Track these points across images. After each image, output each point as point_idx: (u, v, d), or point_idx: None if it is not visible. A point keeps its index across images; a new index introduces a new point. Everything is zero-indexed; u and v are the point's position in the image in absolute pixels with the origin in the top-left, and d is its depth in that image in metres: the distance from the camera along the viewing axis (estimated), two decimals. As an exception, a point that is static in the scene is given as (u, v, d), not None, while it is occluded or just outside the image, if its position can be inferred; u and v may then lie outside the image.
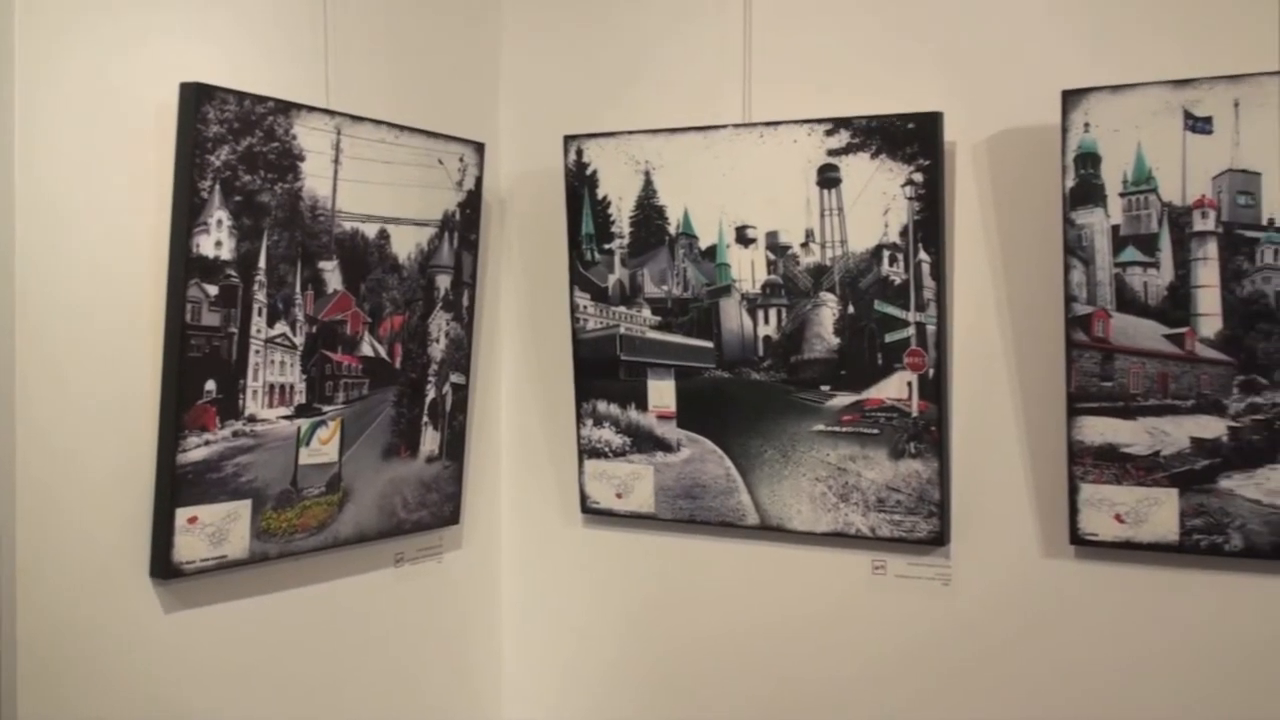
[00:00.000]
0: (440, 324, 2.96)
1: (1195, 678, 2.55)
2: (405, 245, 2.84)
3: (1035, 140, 2.61)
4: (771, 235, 2.83)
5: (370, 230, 2.75)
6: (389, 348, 2.83)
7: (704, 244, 2.91)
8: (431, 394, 2.95)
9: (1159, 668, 2.58)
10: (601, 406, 3.06)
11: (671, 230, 2.94)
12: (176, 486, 2.36)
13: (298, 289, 2.59)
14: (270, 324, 2.53)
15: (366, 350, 2.77)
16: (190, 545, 2.40)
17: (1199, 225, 2.42)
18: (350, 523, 2.76)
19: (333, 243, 2.66)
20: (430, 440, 2.96)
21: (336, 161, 2.65)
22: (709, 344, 2.92)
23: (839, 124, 2.73)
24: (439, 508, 3.01)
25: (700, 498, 2.96)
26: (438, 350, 2.96)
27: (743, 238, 2.86)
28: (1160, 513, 2.48)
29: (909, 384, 2.72)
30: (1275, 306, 2.36)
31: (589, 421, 3.08)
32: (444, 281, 2.95)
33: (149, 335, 2.36)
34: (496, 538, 3.29)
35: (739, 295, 2.88)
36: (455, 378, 3.02)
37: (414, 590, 3.03)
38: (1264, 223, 2.36)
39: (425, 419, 2.94)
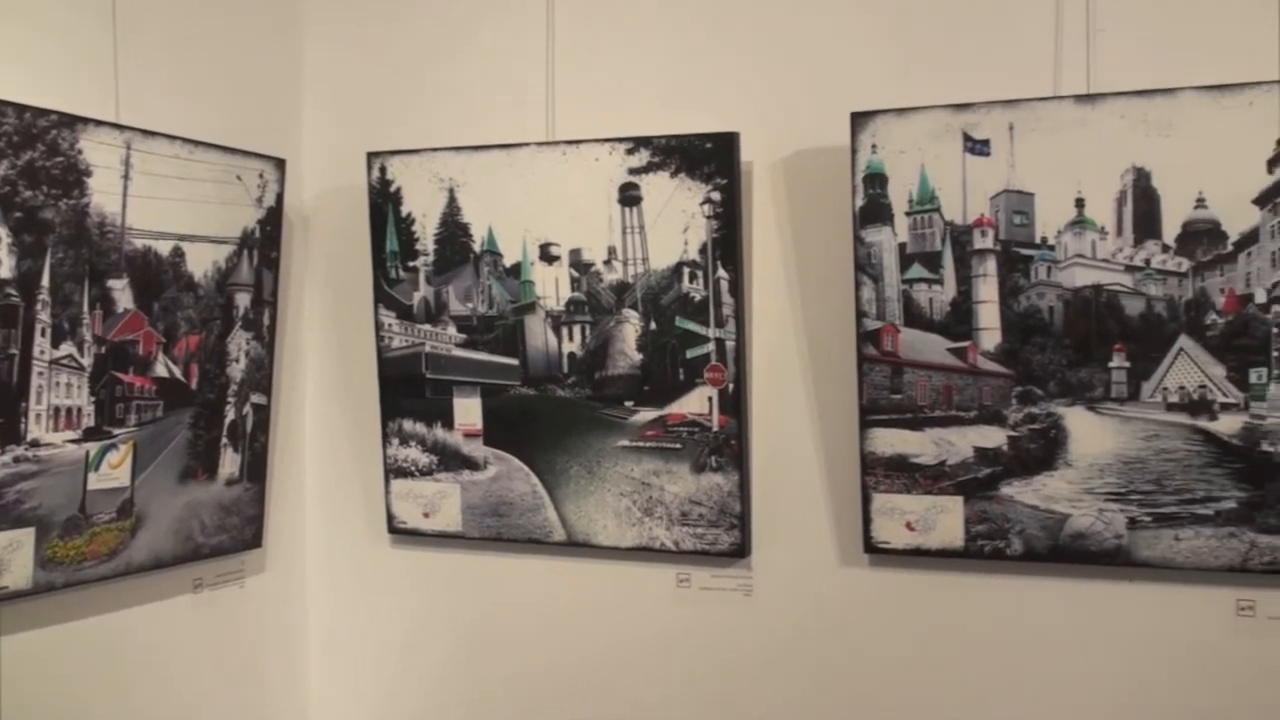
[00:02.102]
0: (240, 343, 2.90)
1: (981, 676, 2.65)
2: (202, 263, 2.77)
3: (827, 161, 2.69)
4: (575, 253, 2.86)
5: (164, 248, 2.68)
6: (185, 368, 2.75)
7: (508, 261, 2.92)
8: (231, 415, 2.88)
9: (948, 669, 2.68)
10: (408, 425, 3.04)
11: (476, 248, 2.94)
12: (-49, 515, 2.27)
13: (85, 308, 2.50)
14: (55, 345, 2.44)
15: (160, 371, 2.69)
16: (-33, 576, 2.30)
17: (979, 243, 2.52)
18: (144, 549, 2.67)
19: (123, 260, 2.58)
20: (230, 462, 2.89)
21: (126, 177, 2.57)
22: (514, 361, 2.93)
23: (639, 143, 2.77)
24: (240, 531, 2.94)
25: (507, 515, 2.96)
26: (237, 370, 2.89)
27: (546, 255, 2.88)
28: (947, 520, 2.58)
29: (709, 399, 2.76)
30: (1049, 321, 2.49)
31: (395, 440, 3.05)
32: (243, 300, 2.90)
33: (-80, 357, 2.26)
34: (301, 560, 3.23)
35: (543, 312, 2.90)
36: (256, 398, 2.96)
37: (214, 616, 2.95)
38: (1037, 241, 2.48)
39: (224, 440, 2.87)
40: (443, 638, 3.11)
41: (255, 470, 2.97)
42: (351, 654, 3.22)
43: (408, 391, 3.03)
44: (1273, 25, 2.40)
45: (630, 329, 2.83)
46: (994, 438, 2.54)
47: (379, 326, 3.04)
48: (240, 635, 3.03)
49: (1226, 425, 2.39)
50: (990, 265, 2.52)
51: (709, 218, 2.73)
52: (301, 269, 3.20)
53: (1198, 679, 2.50)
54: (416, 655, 3.14)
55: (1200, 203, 2.37)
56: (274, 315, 2.99)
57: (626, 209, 2.80)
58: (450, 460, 3.01)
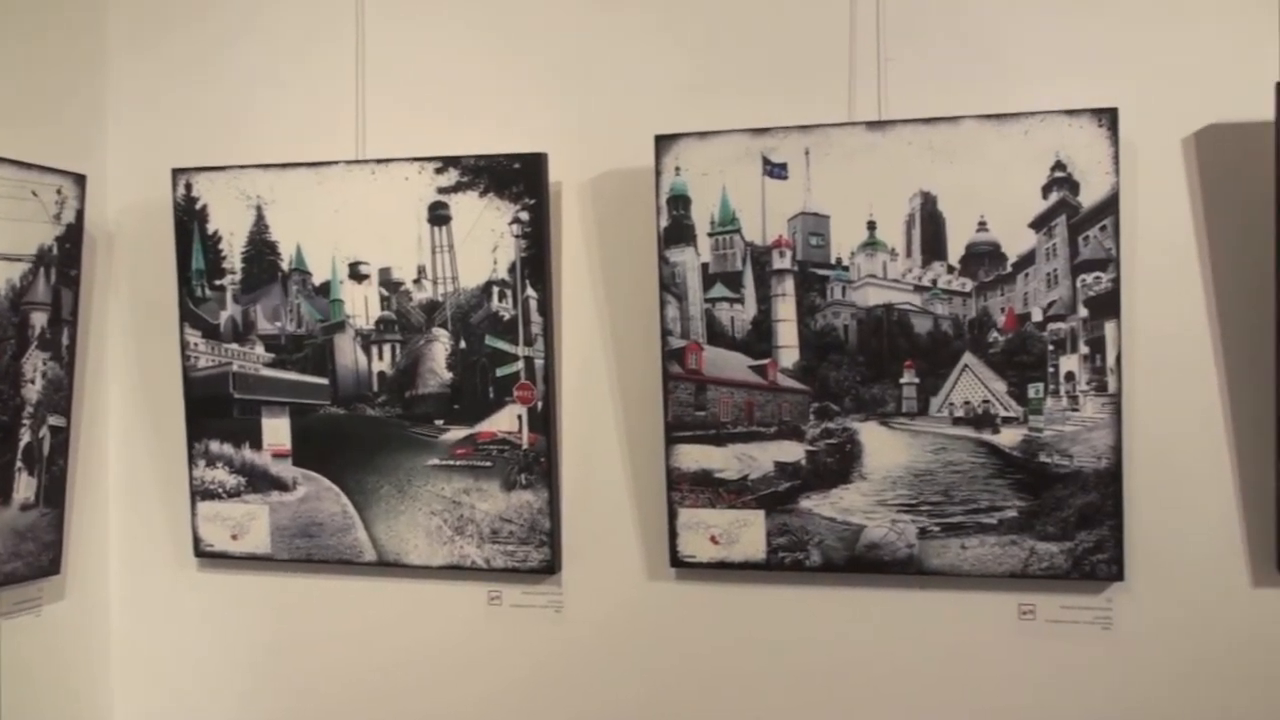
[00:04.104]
0: (36, 364, 2.81)
1: (785, 684, 2.72)
2: (-7, 281, 2.70)
3: (634, 182, 2.74)
4: (384, 271, 2.85)
5: (-49, 265, 2.59)
6: (-25, 390, 2.67)
7: (317, 280, 2.89)
8: (26, 438, 2.80)
9: (753, 678, 2.74)
10: (215, 446, 2.98)
11: (284, 266, 2.91)
12: None
13: None
14: None
15: (-52, 393, 2.60)
16: None
17: (777, 264, 2.60)
18: (-69, 578, 2.58)
19: (-94, 278, 2.49)
20: (25, 487, 2.80)
21: (-90, 192, 2.49)
22: (324, 380, 2.90)
23: (448, 162, 2.78)
24: (36, 558, 2.85)
25: (317, 536, 2.93)
26: (33, 391, 2.81)
27: (356, 274, 2.87)
28: (749, 533, 2.65)
29: (519, 417, 2.78)
30: (844, 339, 2.57)
31: (202, 462, 2.99)
32: (40, 319, 2.81)
33: None
34: (103, 587, 3.14)
35: (353, 331, 2.88)
36: (54, 420, 2.87)
37: (9, 647, 2.85)
38: (833, 261, 2.57)
39: (19, 464, 2.78)
40: (253, 662, 3.06)
41: (53, 494, 2.88)
42: (157, 682, 3.13)
43: (215, 412, 2.98)
44: (1071, 57, 2.53)
45: (440, 348, 2.83)
46: (793, 452, 2.62)
47: (185, 346, 2.98)
48: (38, 666, 2.93)
49: (1008, 438, 2.51)
50: (788, 285, 2.60)
51: (518, 237, 2.75)
52: (104, 287, 3.12)
53: (984, 680, 2.61)
54: (226, 681, 3.08)
55: (982, 226, 2.49)
56: (74, 334, 2.91)
57: (436, 228, 2.81)
58: (258, 481, 2.97)
